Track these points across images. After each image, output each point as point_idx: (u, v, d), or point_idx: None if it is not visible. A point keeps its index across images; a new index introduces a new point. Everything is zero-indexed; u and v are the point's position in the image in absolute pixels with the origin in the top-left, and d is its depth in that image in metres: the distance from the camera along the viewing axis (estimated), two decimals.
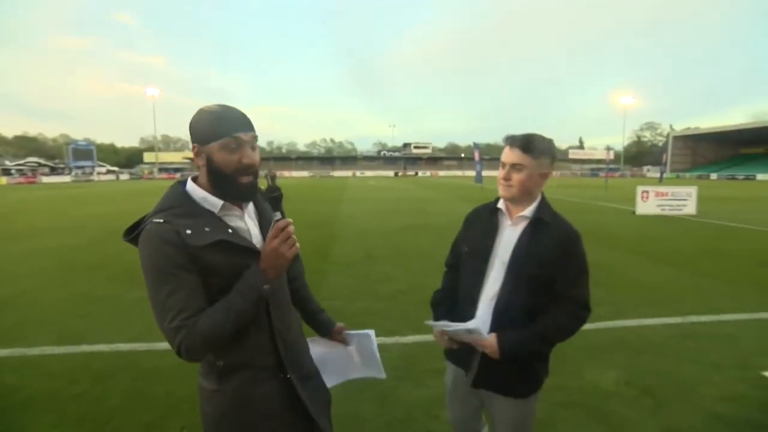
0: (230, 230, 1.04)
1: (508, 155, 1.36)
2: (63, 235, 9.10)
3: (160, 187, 34.92)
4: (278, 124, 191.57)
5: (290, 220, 1.04)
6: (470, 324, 1.34)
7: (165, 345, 3.41)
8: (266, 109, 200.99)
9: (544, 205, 1.40)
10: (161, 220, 0.99)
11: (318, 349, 1.41)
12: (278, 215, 1.04)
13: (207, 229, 1.00)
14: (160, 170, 72.19)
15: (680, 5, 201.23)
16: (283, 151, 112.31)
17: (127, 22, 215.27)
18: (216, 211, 1.05)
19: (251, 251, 1.05)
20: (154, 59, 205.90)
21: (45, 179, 52.56)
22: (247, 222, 1.11)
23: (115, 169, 72.36)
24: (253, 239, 1.09)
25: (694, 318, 3.96)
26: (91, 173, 61.31)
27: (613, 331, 3.65)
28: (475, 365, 1.44)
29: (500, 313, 1.37)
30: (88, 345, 3.45)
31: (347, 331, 1.45)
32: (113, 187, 36.11)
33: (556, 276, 1.33)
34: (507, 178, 1.36)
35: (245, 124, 1.05)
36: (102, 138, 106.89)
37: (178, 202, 1.04)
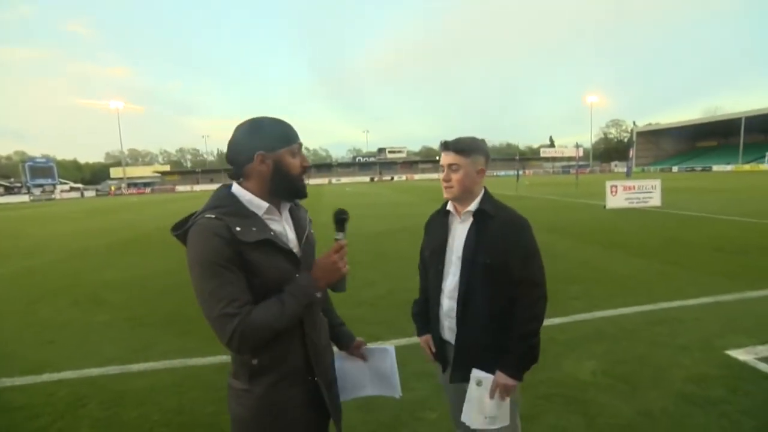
0: (272, 232, 1.12)
1: (445, 158, 1.48)
2: (20, 259, 8.62)
3: (129, 202, 33.93)
4: None
5: (345, 242, 1.17)
6: (474, 376, 1.42)
7: (139, 366, 3.34)
8: (237, 120, 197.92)
9: (486, 198, 1.49)
10: (213, 216, 1.04)
11: (337, 362, 1.41)
12: (341, 236, 1.17)
13: (254, 228, 1.07)
14: (129, 185, 69.57)
15: (635, 8, 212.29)
16: None
17: (81, 32, 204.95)
18: (260, 213, 1.13)
19: (290, 253, 1.13)
20: (117, 71, 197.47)
21: None
22: (284, 226, 1.18)
23: (80, 186, 69.27)
24: (289, 243, 1.16)
25: (663, 304, 4.14)
26: (52, 191, 58.31)
27: (590, 323, 3.77)
28: (450, 362, 1.52)
29: (463, 305, 1.46)
30: (53, 373, 3.24)
31: (366, 346, 1.46)
32: (77, 205, 34.55)
33: (507, 262, 1.40)
34: (447, 179, 1.48)
35: (297, 132, 1.19)
36: (63, 154, 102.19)
37: (227, 202, 1.10)
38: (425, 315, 1.66)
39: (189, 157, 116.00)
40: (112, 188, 67.86)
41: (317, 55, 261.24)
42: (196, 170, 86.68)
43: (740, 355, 3.03)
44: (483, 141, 1.51)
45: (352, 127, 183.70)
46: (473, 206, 1.48)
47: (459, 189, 1.46)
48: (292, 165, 1.15)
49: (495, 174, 72.08)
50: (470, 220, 1.48)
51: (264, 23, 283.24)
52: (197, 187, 72.31)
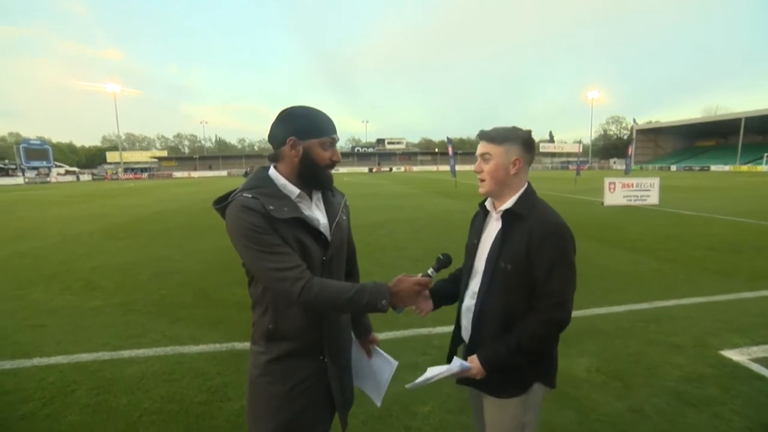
0: (305, 214, 1.20)
1: (479, 148, 1.37)
2: (12, 243, 8.52)
3: (126, 187, 33.67)
4: (248, 122, 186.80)
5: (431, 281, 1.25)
6: (453, 367, 1.32)
7: (130, 353, 3.30)
8: (235, 106, 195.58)
9: (524, 197, 1.33)
10: (250, 195, 1.15)
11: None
12: (433, 273, 1.26)
13: (286, 208, 1.17)
14: (126, 170, 69.01)
15: (638, 5, 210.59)
16: (255, 149, 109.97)
17: (76, 10, 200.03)
18: (293, 197, 1.21)
19: (319, 234, 1.23)
20: (112, 53, 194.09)
21: None
22: (315, 211, 1.26)
23: (75, 169, 68.58)
24: (320, 227, 1.24)
25: (658, 302, 4.14)
26: (47, 174, 57.71)
27: (585, 320, 3.76)
28: None
29: (479, 309, 1.37)
30: (43, 358, 3.21)
31: (376, 347, 1.54)
32: (72, 189, 34.23)
33: (530, 272, 1.26)
34: (478, 170, 1.36)
35: (335, 127, 1.25)
36: (59, 137, 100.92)
37: (264, 183, 1.20)
38: (446, 282, 1.55)
39: (186, 143, 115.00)
40: (109, 172, 67.31)
41: (317, 42, 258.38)
42: (194, 156, 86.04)
43: (734, 355, 3.03)
44: (524, 131, 1.34)
45: (351, 116, 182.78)
46: (507, 204, 1.33)
47: (490, 182, 1.33)
48: (321, 156, 1.21)
49: None
50: (501, 220, 1.35)
51: (263, 9, 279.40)
52: (195, 174, 71.85)
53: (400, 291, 1.18)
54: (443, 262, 1.28)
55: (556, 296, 1.25)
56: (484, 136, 1.35)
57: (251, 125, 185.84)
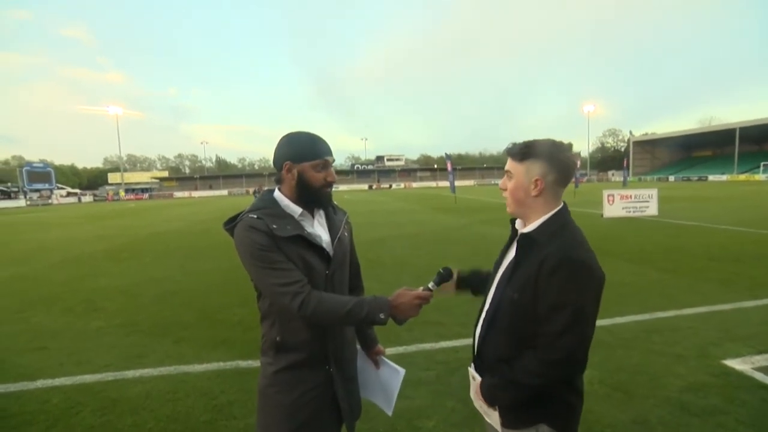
0: (306, 231, 1.28)
1: (507, 164, 1.26)
2: (14, 265, 8.55)
3: (127, 208, 33.79)
4: (248, 142, 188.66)
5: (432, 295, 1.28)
6: (470, 371, 1.36)
7: (133, 373, 3.31)
8: (235, 127, 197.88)
9: (551, 221, 1.18)
10: (255, 216, 1.23)
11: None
12: (433, 286, 1.28)
13: (288, 227, 1.24)
14: (127, 191, 69.39)
15: (632, 20, 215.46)
16: (256, 167, 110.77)
17: (78, 37, 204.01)
18: (296, 216, 1.29)
19: (321, 251, 1.30)
20: (114, 76, 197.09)
21: None
22: (317, 228, 1.34)
23: (77, 191, 68.90)
24: (323, 243, 1.31)
25: (659, 313, 4.15)
26: (49, 196, 58.05)
27: None
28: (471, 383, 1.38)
29: (485, 335, 1.29)
30: (47, 380, 3.21)
31: (383, 357, 1.57)
32: (74, 210, 34.40)
33: (535, 305, 1.13)
34: (503, 188, 1.26)
35: (330, 149, 1.33)
36: (61, 159, 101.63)
37: (269, 204, 1.29)
38: (478, 274, 1.51)
39: (187, 163, 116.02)
40: (110, 193, 67.66)
41: (316, 62, 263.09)
42: (195, 176, 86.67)
43: (737, 364, 3.04)
44: (553, 144, 1.19)
45: (351, 134, 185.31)
46: (529, 228, 1.21)
47: (512, 202, 1.23)
48: (314, 178, 1.28)
49: (493, 182, 72.31)
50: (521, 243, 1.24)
51: (262, 30, 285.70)
52: (195, 194, 72.18)
53: (401, 304, 1.22)
54: (444, 276, 1.31)
55: (554, 338, 1.10)
56: (508, 151, 1.25)
57: (251, 145, 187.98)
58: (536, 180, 1.17)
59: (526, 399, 1.20)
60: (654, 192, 13.20)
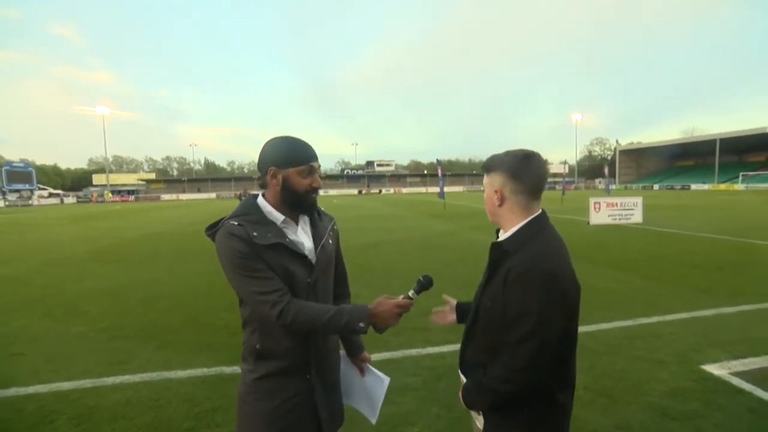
0: (288, 239, 1.26)
1: None
2: None
3: (112, 210, 33.12)
4: (237, 144, 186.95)
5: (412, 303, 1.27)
6: (460, 374, 1.39)
7: (114, 380, 3.23)
8: (224, 129, 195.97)
9: (522, 231, 1.21)
10: (236, 223, 1.22)
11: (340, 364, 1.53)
12: (413, 294, 1.28)
13: (270, 234, 1.23)
14: (113, 192, 68.14)
15: (619, 32, 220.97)
16: (245, 171, 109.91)
17: (67, 35, 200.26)
18: (278, 223, 1.28)
19: (304, 258, 1.28)
20: (101, 76, 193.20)
21: None
22: (300, 235, 1.32)
23: (59, 192, 67.44)
24: (305, 250, 1.29)
25: (643, 319, 4.22)
26: (29, 197, 56.62)
27: None
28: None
29: (465, 340, 1.35)
30: (21, 388, 3.10)
31: (368, 365, 1.56)
32: (55, 211, 33.64)
33: (504, 314, 1.16)
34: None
35: (315, 155, 1.31)
36: (44, 159, 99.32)
37: (251, 211, 1.27)
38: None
39: (175, 165, 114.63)
40: (94, 195, 66.35)
41: (306, 65, 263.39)
42: (183, 179, 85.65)
43: (715, 369, 3.11)
44: (514, 155, 1.22)
45: (341, 139, 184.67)
46: (502, 237, 1.26)
47: (487, 213, 1.31)
48: (300, 183, 1.27)
49: (481, 189, 72.80)
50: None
51: (254, 33, 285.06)
52: (183, 196, 71.28)
53: (381, 313, 1.22)
54: (423, 285, 1.30)
55: (514, 346, 1.13)
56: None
57: (241, 148, 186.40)
58: (496, 191, 1.24)
59: (502, 405, 1.22)
60: (639, 200, 13.46)
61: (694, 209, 19.21)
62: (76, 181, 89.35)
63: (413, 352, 3.55)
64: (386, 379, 1.53)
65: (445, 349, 3.59)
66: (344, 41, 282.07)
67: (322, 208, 1.45)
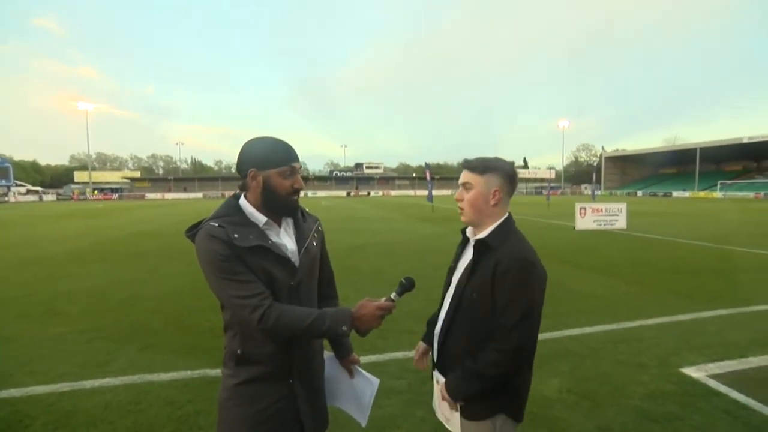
0: (270, 241, 1.23)
1: (461, 176, 1.40)
2: None
3: (94, 208, 32.35)
4: (225, 144, 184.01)
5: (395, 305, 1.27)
6: (435, 375, 1.42)
7: (92, 383, 3.15)
8: (212, 128, 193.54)
9: (500, 228, 1.35)
10: (217, 224, 1.19)
11: (328, 366, 1.52)
12: (395, 296, 1.27)
13: (251, 236, 1.20)
14: (95, 190, 66.54)
15: (605, 41, 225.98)
16: (232, 171, 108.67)
17: (49, 27, 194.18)
18: (260, 224, 1.25)
19: (286, 261, 1.25)
20: (86, 71, 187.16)
21: None
22: (283, 237, 1.30)
23: (38, 189, 65.54)
24: (288, 252, 1.27)
25: (625, 323, 4.30)
26: (5, 194, 54.86)
27: (558, 341, 3.86)
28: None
29: (444, 335, 1.41)
30: None
31: (358, 367, 1.55)
32: (33, 209, 32.70)
33: (493, 302, 1.29)
34: (459, 199, 1.39)
35: (296, 155, 1.28)
36: (23, 155, 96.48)
37: (232, 212, 1.24)
38: (433, 325, 1.59)
39: (161, 164, 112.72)
40: (76, 192, 64.67)
41: (296, 66, 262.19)
42: (169, 178, 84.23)
43: (693, 372, 3.19)
44: (507, 162, 1.38)
45: (330, 140, 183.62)
46: (482, 234, 1.35)
47: (470, 211, 1.36)
48: (281, 185, 1.24)
49: None
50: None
51: (244, 32, 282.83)
52: (169, 195, 70.08)
53: (363, 316, 1.21)
54: (406, 286, 1.29)
55: (509, 329, 1.25)
56: (467, 165, 1.38)
57: (229, 147, 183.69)
58: (495, 191, 1.35)
59: (487, 391, 1.32)
60: (623, 206, 13.74)
61: (676, 216, 19.70)
62: (57, 178, 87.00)
63: (399, 355, 3.55)
64: (375, 381, 1.52)
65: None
66: (337, 43, 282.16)
67: (307, 209, 1.43)
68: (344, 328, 1.19)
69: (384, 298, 1.26)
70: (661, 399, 2.81)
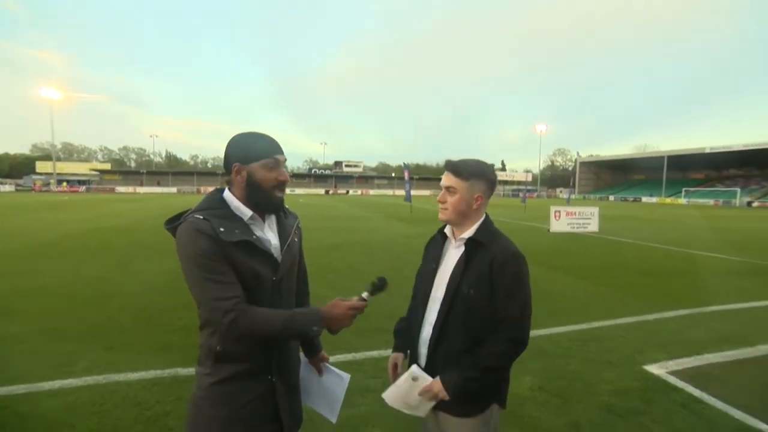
0: (255, 236, 1.22)
1: (444, 179, 1.43)
2: None
3: (58, 201, 30.81)
4: (202, 138, 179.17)
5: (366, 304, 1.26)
6: (413, 371, 1.38)
7: (52, 384, 3.01)
8: (189, 122, 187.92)
9: (483, 226, 1.42)
10: (201, 217, 1.16)
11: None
12: (367, 296, 1.26)
13: (237, 230, 1.18)
14: (60, 182, 63.42)
15: (580, 49, 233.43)
16: (209, 166, 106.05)
17: (8, 5, 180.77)
18: (245, 219, 1.23)
19: (270, 257, 1.23)
20: (49, 56, 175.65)
21: None
22: (267, 233, 1.28)
23: None
24: (271, 248, 1.25)
25: (595, 323, 4.46)
26: None
27: (531, 340, 3.83)
28: None
29: (439, 334, 1.39)
30: None
31: (327, 364, 1.55)
32: None
33: (491, 297, 1.34)
34: (442, 201, 1.43)
35: (280, 148, 1.26)
36: None
37: (217, 205, 1.22)
38: (405, 334, 1.58)
39: (134, 156, 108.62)
40: (38, 184, 61.46)
41: (275, 62, 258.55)
42: (141, 171, 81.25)
43: (655, 369, 3.35)
44: (489, 166, 1.44)
45: (309, 138, 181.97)
46: (468, 233, 1.41)
47: (452, 213, 1.41)
48: (265, 178, 1.22)
49: None
50: (463, 247, 1.42)
51: (223, 23, 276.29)
52: (141, 189, 67.58)
53: (334, 315, 1.20)
54: (378, 286, 1.29)
55: (517, 319, 1.33)
56: (451, 168, 1.41)
57: (205, 141, 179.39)
58: (478, 196, 1.41)
59: (488, 384, 1.37)
60: (595, 210, 14.22)
61: (644, 220, 20.55)
62: (16, 168, 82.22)
63: (374, 353, 3.55)
64: (346, 377, 1.52)
65: None
66: (317, 40, 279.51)
67: (287, 206, 1.42)
68: (315, 328, 1.18)
69: (356, 297, 1.26)
70: (626, 395, 2.93)
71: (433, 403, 1.39)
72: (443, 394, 1.34)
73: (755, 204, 47.67)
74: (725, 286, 6.38)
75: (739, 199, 50.27)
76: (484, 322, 1.35)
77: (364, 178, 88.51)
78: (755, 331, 4.27)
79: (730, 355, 3.65)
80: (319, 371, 1.54)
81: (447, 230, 1.49)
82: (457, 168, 1.40)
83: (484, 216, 1.45)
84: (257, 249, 1.20)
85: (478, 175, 1.40)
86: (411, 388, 1.40)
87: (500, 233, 1.43)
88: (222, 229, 1.14)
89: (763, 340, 3.99)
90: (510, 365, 1.37)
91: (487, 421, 1.41)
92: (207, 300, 1.14)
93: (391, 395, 1.45)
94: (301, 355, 1.52)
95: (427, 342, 1.42)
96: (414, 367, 1.41)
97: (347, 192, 76.51)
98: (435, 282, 1.45)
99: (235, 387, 1.21)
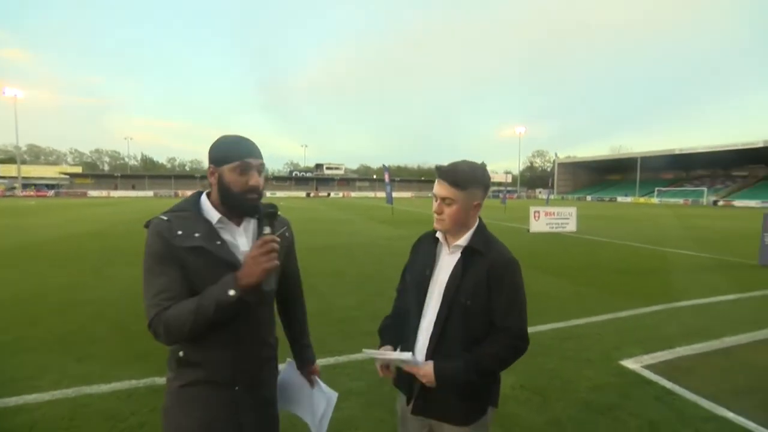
0: (219, 242, 1.18)
1: (439, 188, 1.35)
2: None
3: (23, 206, 29.50)
4: (179, 141, 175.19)
5: (277, 237, 1.16)
6: (403, 355, 1.33)
7: (17, 400, 2.86)
8: (165, 124, 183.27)
9: (479, 233, 1.38)
10: (165, 218, 1.17)
11: (288, 372, 1.52)
12: (267, 230, 1.17)
13: (197, 234, 1.15)
14: (26, 186, 60.67)
15: (559, 51, 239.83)
16: (187, 169, 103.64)
17: None
18: (213, 222, 1.20)
19: (232, 264, 1.16)
20: (13, 53, 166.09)
21: None
22: (237, 238, 1.23)
23: None
24: (238, 253, 1.20)
25: (574, 321, 4.56)
26: None
27: None
28: (416, 391, 1.40)
29: (437, 343, 1.36)
30: None
31: (317, 378, 1.54)
32: None
33: (490, 306, 1.32)
34: (439, 212, 1.35)
35: (254, 151, 1.22)
36: None
37: (188, 207, 1.22)
38: (391, 331, 1.52)
39: (107, 159, 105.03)
40: (1, 188, 58.66)
41: (255, 64, 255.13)
42: (115, 174, 78.56)
43: (630, 364, 3.45)
44: (483, 169, 1.38)
45: (290, 140, 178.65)
46: (463, 240, 1.37)
47: (450, 223, 1.35)
48: (234, 182, 1.19)
49: (430, 195, 74.71)
50: (458, 255, 1.37)
51: (199, 22, 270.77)
52: (115, 193, 65.33)
53: (245, 268, 1.11)
54: (268, 213, 1.20)
55: (518, 327, 1.33)
56: (446, 177, 1.32)
57: (183, 144, 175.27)
58: (477, 204, 1.37)
59: (480, 389, 1.36)
60: (573, 210, 14.57)
61: (619, 220, 21.21)
62: None
63: (358, 356, 3.52)
64: (334, 396, 1.51)
65: None
66: (298, 42, 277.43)
67: (280, 214, 1.32)
68: (231, 292, 1.09)
69: (258, 241, 1.15)
70: (603, 391, 3.00)
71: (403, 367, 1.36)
72: (429, 379, 1.29)
73: (720, 203, 50.00)
74: (695, 282, 6.64)
75: (706, 198, 52.59)
76: (482, 329, 1.34)
77: (346, 181, 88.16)
78: (721, 324, 4.46)
79: (699, 348, 3.81)
80: (310, 383, 1.52)
81: (439, 235, 1.44)
82: (454, 178, 1.31)
83: (478, 221, 1.41)
84: (214, 255, 1.15)
85: (474, 182, 1.33)
86: (397, 361, 1.36)
87: (495, 239, 1.39)
88: (180, 232, 1.14)
89: (728, 333, 4.18)
90: (503, 370, 1.37)
91: (484, 425, 1.41)
92: (144, 297, 1.14)
93: (373, 353, 1.41)
94: (293, 363, 1.52)
95: (424, 352, 1.37)
96: (407, 355, 1.33)
97: (329, 194, 76.09)
98: (429, 289, 1.40)
99: (200, 391, 1.19)
